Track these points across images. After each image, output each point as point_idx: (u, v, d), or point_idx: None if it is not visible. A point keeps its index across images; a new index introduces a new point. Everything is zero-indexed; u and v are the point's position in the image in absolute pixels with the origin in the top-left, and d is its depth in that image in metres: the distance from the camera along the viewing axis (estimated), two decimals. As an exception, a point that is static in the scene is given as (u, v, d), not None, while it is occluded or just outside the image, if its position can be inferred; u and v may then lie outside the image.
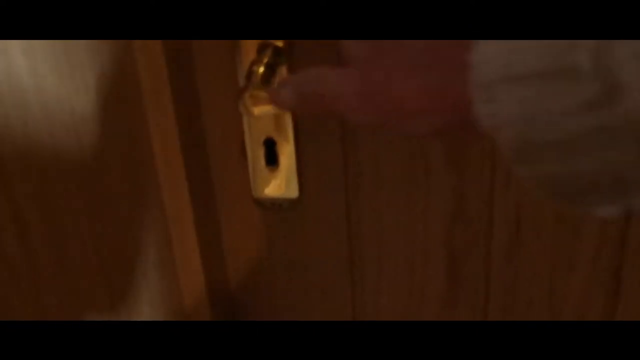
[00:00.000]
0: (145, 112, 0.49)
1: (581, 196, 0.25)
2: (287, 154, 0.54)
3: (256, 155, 0.54)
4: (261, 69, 0.46)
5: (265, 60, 0.47)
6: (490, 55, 0.24)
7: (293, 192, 0.56)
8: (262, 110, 0.43)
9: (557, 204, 0.26)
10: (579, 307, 0.57)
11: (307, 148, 0.54)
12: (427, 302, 0.59)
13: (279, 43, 0.48)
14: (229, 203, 0.58)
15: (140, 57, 0.48)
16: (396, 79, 0.28)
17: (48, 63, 0.38)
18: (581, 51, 0.22)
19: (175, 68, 0.49)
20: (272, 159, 0.54)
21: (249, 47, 0.49)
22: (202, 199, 0.56)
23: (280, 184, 0.55)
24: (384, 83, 0.29)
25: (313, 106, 0.33)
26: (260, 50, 0.49)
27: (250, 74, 0.46)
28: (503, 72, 0.23)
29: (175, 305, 0.58)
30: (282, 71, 0.49)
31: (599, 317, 0.57)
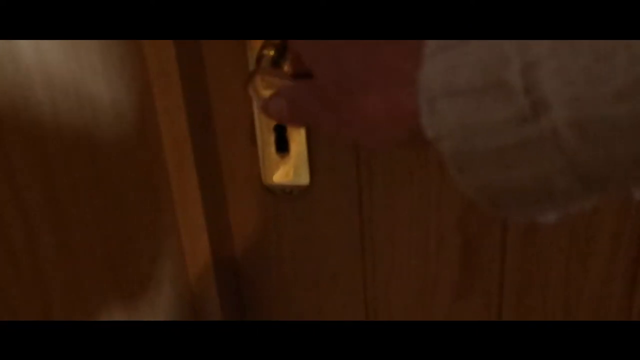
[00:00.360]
0: (154, 98, 0.49)
1: (518, 205, 0.26)
2: (297, 140, 0.53)
3: (266, 141, 0.53)
4: (271, 52, 0.45)
5: (276, 43, 0.46)
6: (435, 72, 0.25)
7: (304, 179, 0.55)
8: None
9: (498, 213, 0.27)
10: (595, 296, 0.56)
11: (318, 134, 0.53)
12: (440, 291, 0.59)
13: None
14: (238, 190, 0.57)
15: (148, 42, 0.47)
16: (356, 97, 0.29)
17: (54, 47, 0.37)
18: (512, 68, 0.23)
19: (183, 52, 0.48)
20: (282, 146, 0.53)
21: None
22: (210, 185, 0.55)
23: (290, 171, 0.55)
24: (343, 102, 0.30)
25: (301, 119, 0.36)
26: (271, 34, 0.47)
27: (260, 57, 0.45)
28: (445, 87, 0.25)
29: (183, 293, 0.57)
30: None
31: (615, 305, 0.56)
